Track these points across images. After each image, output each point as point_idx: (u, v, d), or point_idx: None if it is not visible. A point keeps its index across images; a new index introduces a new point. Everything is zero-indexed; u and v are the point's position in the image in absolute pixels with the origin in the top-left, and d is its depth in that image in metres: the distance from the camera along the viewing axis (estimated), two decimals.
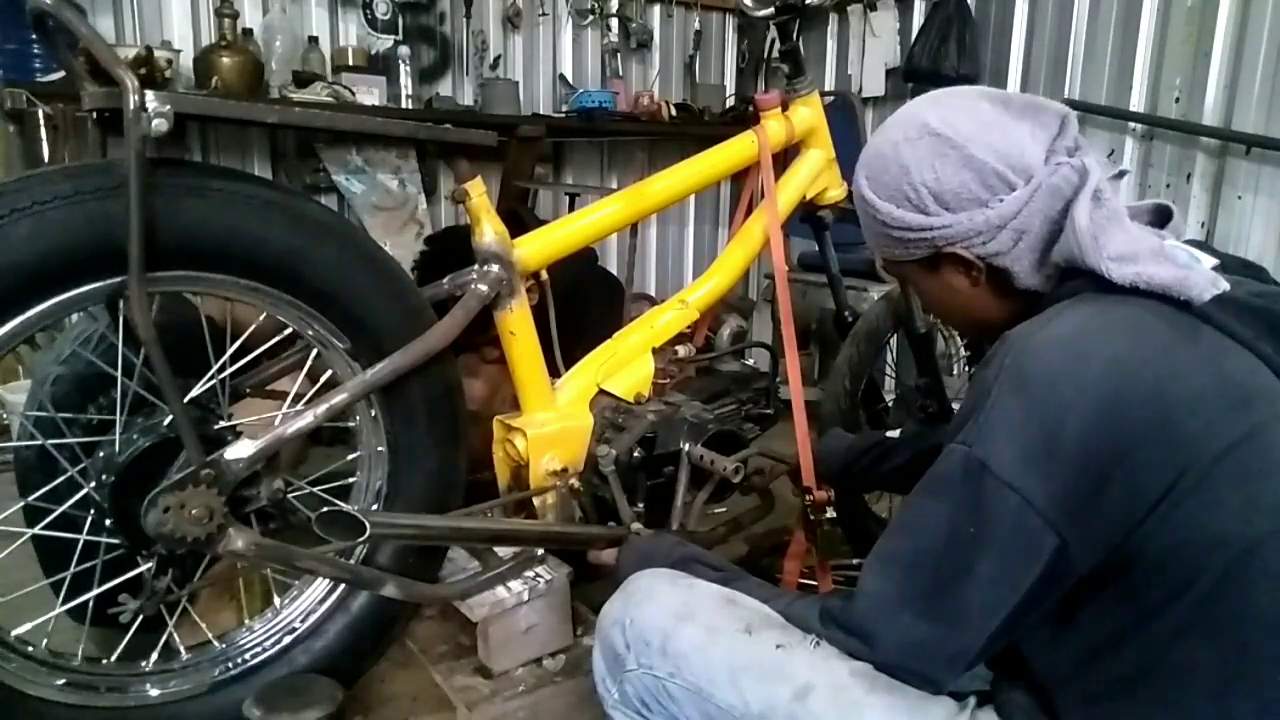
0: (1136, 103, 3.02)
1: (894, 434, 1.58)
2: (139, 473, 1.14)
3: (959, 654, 0.86)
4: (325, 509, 1.15)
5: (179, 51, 2.84)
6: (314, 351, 1.32)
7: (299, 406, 1.23)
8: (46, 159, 2.53)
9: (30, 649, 1.19)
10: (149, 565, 1.21)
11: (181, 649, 1.30)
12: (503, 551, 1.52)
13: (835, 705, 0.89)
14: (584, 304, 2.07)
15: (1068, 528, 0.80)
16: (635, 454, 1.53)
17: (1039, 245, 0.93)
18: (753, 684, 0.93)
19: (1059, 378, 0.82)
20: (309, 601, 1.37)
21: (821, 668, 0.92)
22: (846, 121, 2.98)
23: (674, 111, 3.76)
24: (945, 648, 0.86)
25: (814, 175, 1.84)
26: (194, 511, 1.10)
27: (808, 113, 1.82)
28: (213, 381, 1.22)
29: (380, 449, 1.35)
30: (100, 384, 1.31)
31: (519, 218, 2.84)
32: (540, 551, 1.51)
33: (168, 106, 1.03)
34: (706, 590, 1.05)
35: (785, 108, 1.80)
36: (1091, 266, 0.87)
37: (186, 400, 1.15)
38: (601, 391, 1.59)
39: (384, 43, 3.26)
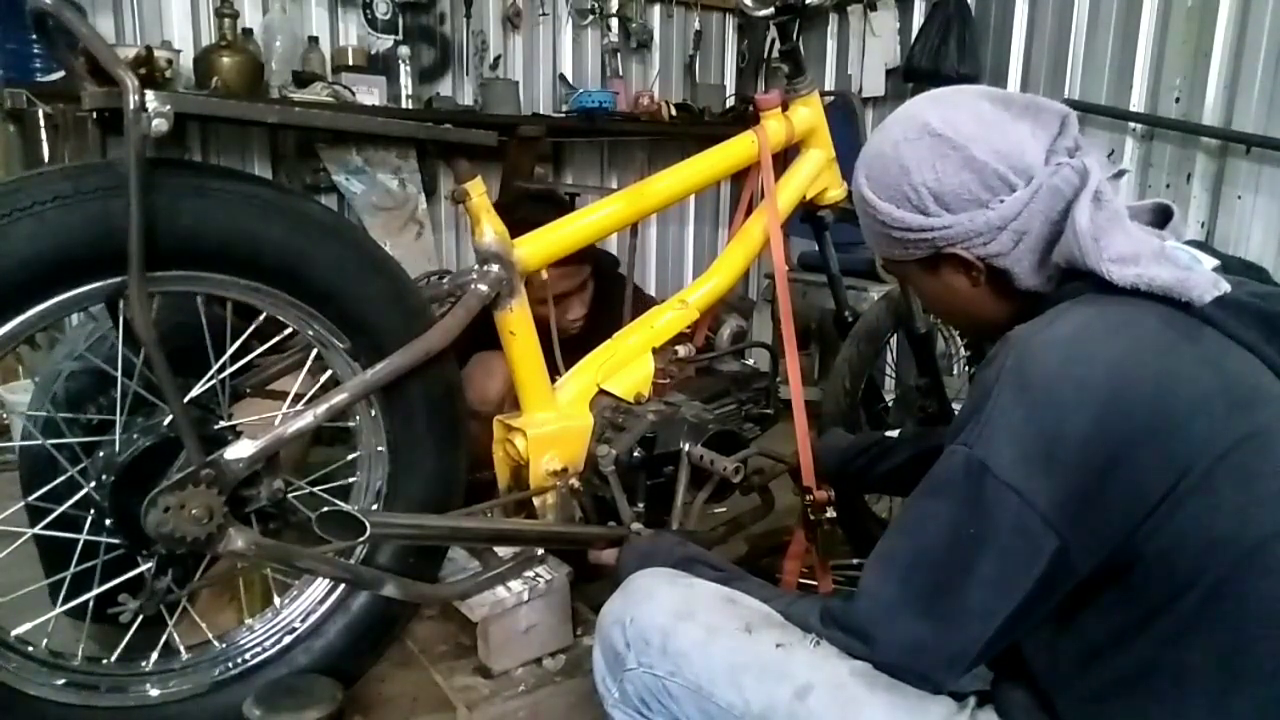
0: (1136, 102, 3.02)
1: (894, 434, 1.58)
2: (139, 473, 1.14)
3: (959, 654, 0.86)
4: (325, 509, 1.15)
5: (179, 51, 2.84)
6: (314, 351, 1.32)
7: (299, 406, 1.23)
8: (46, 159, 2.53)
9: (30, 649, 1.19)
10: (149, 565, 1.21)
11: (182, 649, 1.30)
12: (503, 551, 1.52)
13: (835, 703, 0.89)
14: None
15: (1068, 529, 0.80)
16: (635, 454, 1.53)
17: (1039, 246, 0.93)
18: (753, 683, 0.93)
19: (1059, 379, 0.82)
20: (309, 601, 1.37)
21: (822, 666, 0.92)
22: (846, 121, 2.98)
23: (674, 111, 3.76)
24: (945, 648, 0.86)
25: (814, 175, 1.84)
26: (194, 511, 1.10)
27: (808, 113, 1.82)
28: (213, 381, 1.22)
29: (380, 449, 1.34)
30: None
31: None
32: (540, 551, 1.51)
33: (168, 106, 1.02)
34: (706, 589, 1.05)
35: (785, 108, 1.80)
36: (1092, 268, 0.87)
37: (186, 400, 1.15)
38: (601, 391, 1.59)
39: (384, 43, 3.26)
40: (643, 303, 1.88)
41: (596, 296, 2.19)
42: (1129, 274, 0.86)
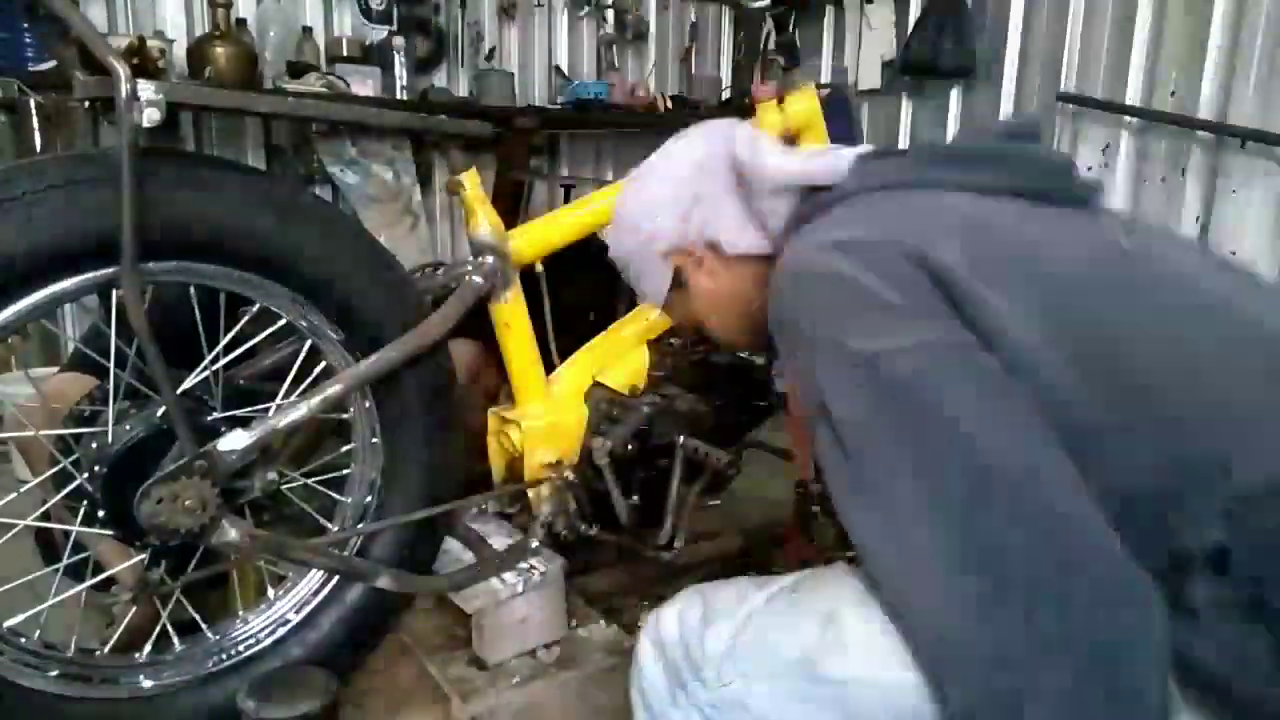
0: (1132, 96, 3.02)
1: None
2: (132, 464, 1.14)
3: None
4: None
5: (172, 41, 2.83)
6: (309, 343, 1.32)
7: (292, 398, 1.23)
8: (39, 148, 2.52)
9: (23, 640, 1.19)
10: (142, 556, 1.21)
11: (175, 640, 1.30)
12: (497, 544, 1.52)
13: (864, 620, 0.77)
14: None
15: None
16: (630, 446, 1.53)
17: (731, 202, 1.04)
18: (786, 635, 0.83)
19: (872, 245, 0.82)
20: (303, 593, 1.36)
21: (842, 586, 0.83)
22: (843, 114, 2.98)
23: (670, 103, 3.76)
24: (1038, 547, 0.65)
25: None
26: (187, 503, 1.10)
27: (804, 105, 1.82)
28: (206, 373, 1.21)
29: (374, 441, 1.34)
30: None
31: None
32: (535, 543, 1.51)
33: (160, 96, 1.02)
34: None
35: (781, 100, 1.80)
36: (759, 170, 0.99)
37: (180, 391, 1.15)
38: (596, 384, 1.59)
39: (379, 33, 3.25)
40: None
41: (599, 283, 2.18)
42: (792, 165, 0.98)
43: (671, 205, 1.07)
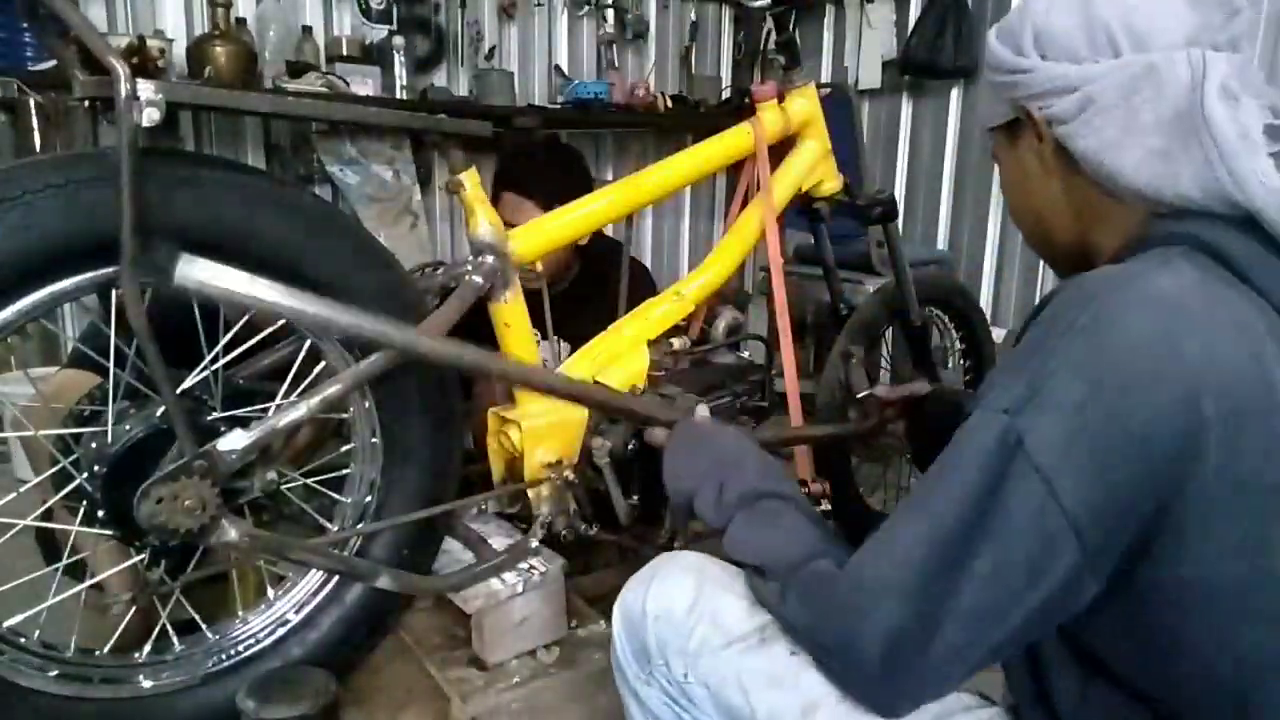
0: None
1: None
2: (131, 464, 1.14)
3: (937, 662, 0.71)
4: None
5: (171, 41, 2.83)
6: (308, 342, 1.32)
7: (292, 398, 1.23)
8: (38, 148, 2.52)
9: (23, 640, 1.19)
10: (141, 556, 1.21)
11: (175, 640, 1.30)
12: (497, 544, 1.52)
13: None
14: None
15: (1095, 541, 0.67)
16: (630, 446, 1.52)
17: (1126, 140, 0.79)
18: (760, 691, 0.86)
19: (1142, 356, 0.67)
20: (303, 593, 1.36)
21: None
22: (843, 114, 2.97)
23: (670, 103, 3.76)
24: (925, 649, 0.71)
25: (810, 167, 1.84)
26: (187, 503, 1.10)
27: (804, 104, 1.82)
28: (206, 372, 1.21)
29: (374, 440, 1.34)
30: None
31: None
32: (535, 543, 1.51)
33: (160, 95, 1.02)
34: (729, 584, 0.94)
35: (781, 99, 1.80)
36: (1240, 190, 0.73)
37: (179, 391, 1.15)
38: (596, 384, 1.59)
39: (378, 33, 3.24)
40: (639, 289, 1.86)
41: (599, 279, 2.18)
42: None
43: (1074, 76, 0.80)
